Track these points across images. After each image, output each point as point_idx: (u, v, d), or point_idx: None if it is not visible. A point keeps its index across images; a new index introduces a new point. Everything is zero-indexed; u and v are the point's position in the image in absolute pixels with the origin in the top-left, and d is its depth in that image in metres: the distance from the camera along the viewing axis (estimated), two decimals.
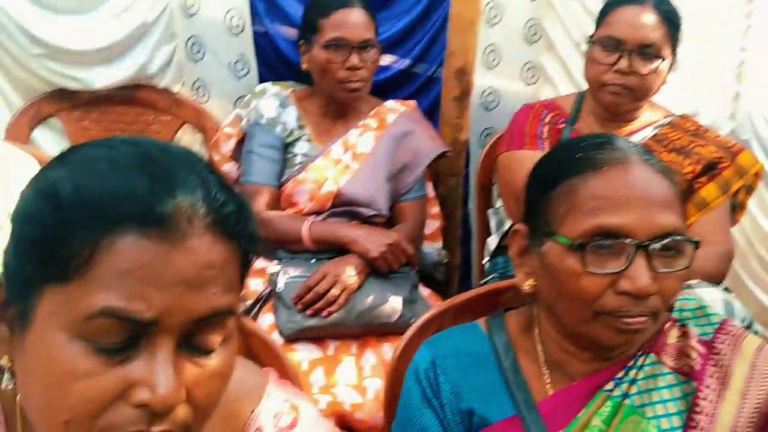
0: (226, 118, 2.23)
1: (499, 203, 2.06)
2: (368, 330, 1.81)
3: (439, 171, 2.24)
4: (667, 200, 0.95)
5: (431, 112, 2.31)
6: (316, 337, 1.77)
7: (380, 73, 2.20)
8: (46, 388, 0.62)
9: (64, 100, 2.27)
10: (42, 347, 0.62)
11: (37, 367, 0.63)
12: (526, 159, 1.83)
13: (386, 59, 2.29)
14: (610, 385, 1.01)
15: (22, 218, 0.65)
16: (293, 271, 1.84)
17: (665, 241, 0.93)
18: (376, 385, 1.69)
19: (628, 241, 0.92)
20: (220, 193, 0.66)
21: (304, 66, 2.03)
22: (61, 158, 0.67)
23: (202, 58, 2.31)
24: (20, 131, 2.22)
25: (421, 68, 2.38)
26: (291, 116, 2.05)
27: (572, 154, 1.00)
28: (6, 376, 0.67)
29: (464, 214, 2.38)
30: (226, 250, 0.65)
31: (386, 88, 2.31)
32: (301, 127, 2.05)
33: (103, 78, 2.22)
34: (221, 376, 0.67)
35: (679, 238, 0.94)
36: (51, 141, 2.28)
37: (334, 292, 1.77)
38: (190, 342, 0.64)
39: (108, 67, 2.22)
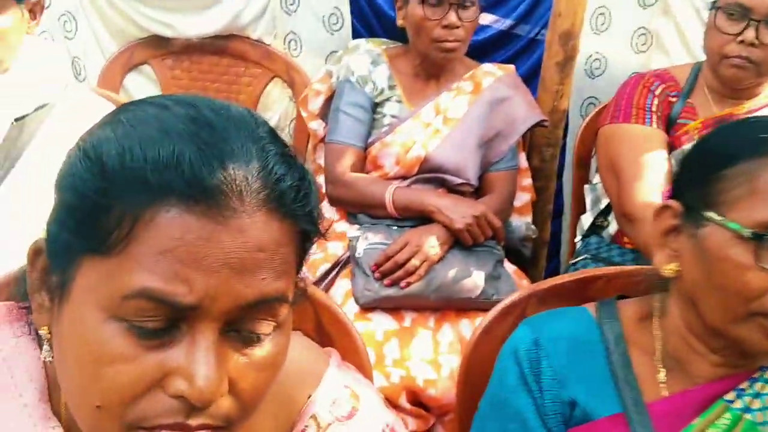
0: (316, 73, 2.17)
1: (596, 179, 1.94)
2: (447, 304, 1.73)
3: (534, 141, 2.12)
4: None
5: (530, 78, 2.19)
6: (392, 307, 1.72)
7: (478, 33, 2.09)
8: (79, 368, 0.58)
9: (157, 48, 2.27)
10: (77, 323, 0.57)
11: (71, 345, 0.58)
12: (631, 133, 1.72)
13: (485, 18, 2.17)
14: (731, 395, 0.91)
15: (65, 181, 0.60)
16: (373, 237, 1.78)
17: None
18: (452, 363, 1.62)
19: None
20: (278, 165, 0.59)
21: (399, 22, 1.95)
22: (112, 117, 0.62)
23: (296, 10, 2.26)
24: (113, 77, 2.23)
25: (523, 29, 2.26)
26: (382, 75, 1.97)
27: (758, 133, 0.88)
28: (46, 347, 0.64)
29: (557, 188, 2.25)
30: (280, 230, 0.58)
31: (484, 49, 2.21)
32: (391, 87, 1.97)
33: (196, 26, 2.20)
34: (270, 368, 0.61)
35: None
36: (143, 88, 2.29)
37: (415, 262, 1.70)
38: (237, 329, 0.58)
39: (202, 15, 2.20)
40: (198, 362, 0.55)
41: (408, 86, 1.98)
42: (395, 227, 1.83)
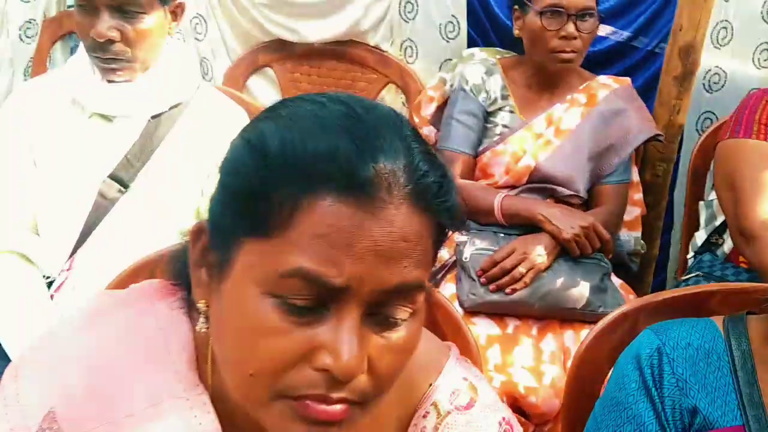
0: (430, 80, 2.21)
1: (712, 195, 1.89)
2: (551, 313, 1.74)
3: (647, 155, 2.09)
4: None
5: (645, 91, 2.15)
6: (496, 313, 1.73)
7: (594, 44, 2.08)
8: (236, 338, 0.63)
9: (279, 51, 2.37)
10: (236, 298, 0.63)
11: (229, 317, 0.64)
12: (751, 149, 1.67)
13: (602, 29, 2.16)
14: None
15: (229, 168, 0.66)
16: (480, 243, 1.80)
17: None
18: (554, 372, 1.62)
19: None
20: (422, 162, 0.63)
21: (516, 32, 1.97)
22: (271, 111, 0.67)
23: (413, 18, 2.30)
24: (237, 79, 2.35)
25: (641, 42, 2.23)
26: (496, 85, 2.00)
27: None
28: (202, 319, 0.70)
29: (668, 203, 2.21)
30: (422, 223, 0.62)
31: (599, 61, 2.19)
32: (505, 97, 1.99)
33: (318, 31, 2.29)
34: (405, 351, 0.65)
35: None
36: (264, 90, 2.40)
37: (521, 269, 1.71)
38: (377, 313, 0.62)
39: (324, 21, 2.28)
40: (343, 339, 0.60)
41: (521, 96, 2.00)
42: (502, 234, 1.84)
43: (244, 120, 1.67)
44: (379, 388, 0.64)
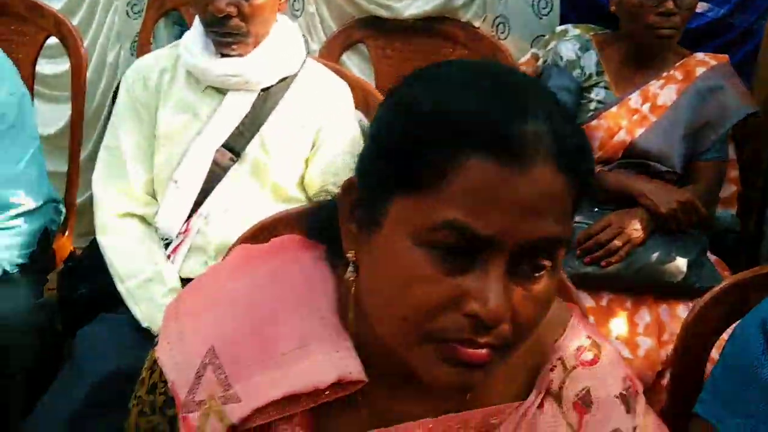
0: (521, 56, 2.22)
1: None
2: (646, 287, 1.75)
3: (745, 133, 2.06)
4: None
5: (741, 68, 2.11)
6: (590, 285, 1.75)
7: (690, 21, 2.05)
8: (389, 286, 0.68)
9: (372, 27, 2.40)
10: (388, 249, 0.67)
11: (382, 267, 0.69)
12: None
13: (699, 6, 2.13)
14: None
15: (381, 129, 0.70)
16: (575, 216, 1.81)
17: None
18: (648, 344, 1.64)
19: None
20: (565, 125, 0.66)
21: (613, 8, 1.96)
22: (419, 75, 0.71)
23: None
24: (332, 54, 2.39)
25: (739, 19, 2.19)
26: (590, 61, 2.00)
27: None
28: (350, 268, 0.74)
29: (765, 180, 2.18)
30: (563, 182, 0.65)
31: (694, 37, 2.16)
32: (599, 73, 1.99)
33: (412, 8, 2.32)
34: (543, 302, 0.68)
35: None
36: (357, 65, 2.45)
37: (617, 243, 1.73)
38: (519, 265, 0.66)
39: None
40: (490, 288, 0.64)
41: (616, 73, 2.00)
42: (596, 209, 1.85)
43: (347, 93, 1.73)
44: (519, 335, 0.67)
